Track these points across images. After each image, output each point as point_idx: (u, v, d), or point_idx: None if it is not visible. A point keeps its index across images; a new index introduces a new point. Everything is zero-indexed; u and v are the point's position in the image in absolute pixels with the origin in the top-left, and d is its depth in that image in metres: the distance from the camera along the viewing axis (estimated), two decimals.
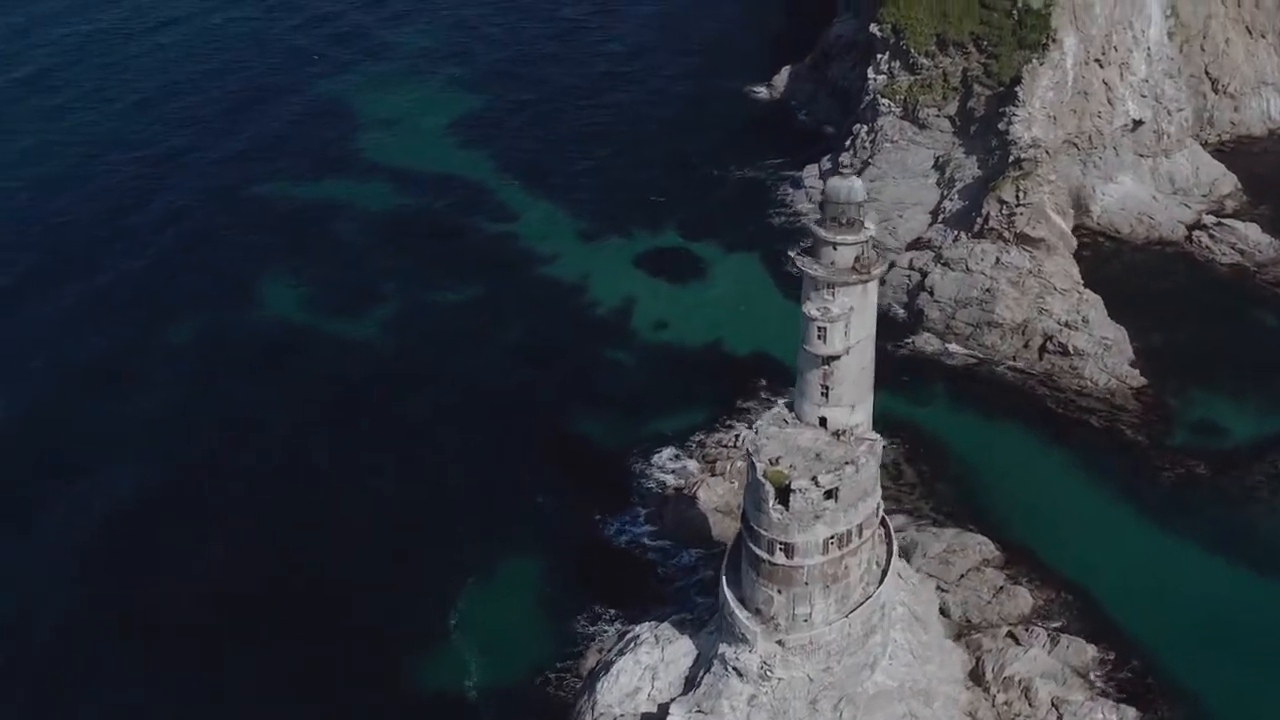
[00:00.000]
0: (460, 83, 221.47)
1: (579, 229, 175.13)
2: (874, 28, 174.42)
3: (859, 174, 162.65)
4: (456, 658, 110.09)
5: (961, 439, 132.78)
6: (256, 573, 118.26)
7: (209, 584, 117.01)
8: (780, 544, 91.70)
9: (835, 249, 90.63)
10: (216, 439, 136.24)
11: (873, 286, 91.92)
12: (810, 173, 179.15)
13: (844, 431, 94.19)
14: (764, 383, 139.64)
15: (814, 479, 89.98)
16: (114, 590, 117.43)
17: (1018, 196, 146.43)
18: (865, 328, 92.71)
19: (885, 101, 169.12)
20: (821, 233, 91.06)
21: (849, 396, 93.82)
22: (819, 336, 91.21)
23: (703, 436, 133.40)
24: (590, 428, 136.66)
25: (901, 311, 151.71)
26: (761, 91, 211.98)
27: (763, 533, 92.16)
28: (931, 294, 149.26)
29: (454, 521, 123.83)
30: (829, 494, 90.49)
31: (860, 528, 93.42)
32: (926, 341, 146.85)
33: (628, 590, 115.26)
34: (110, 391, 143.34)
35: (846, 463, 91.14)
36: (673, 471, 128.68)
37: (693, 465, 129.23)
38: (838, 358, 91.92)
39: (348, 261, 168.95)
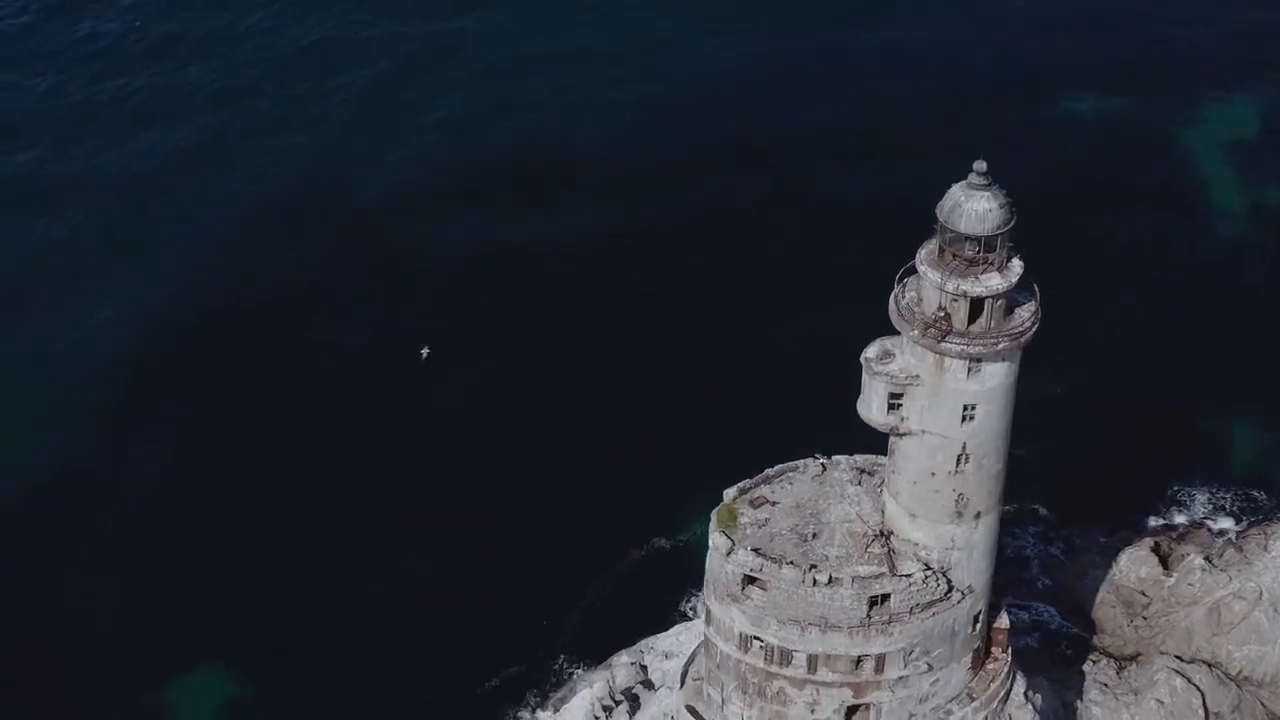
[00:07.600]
0: None
1: None
2: None
3: None
4: None
5: None
6: None
7: None
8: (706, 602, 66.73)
9: (924, 284, 58.29)
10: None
11: (962, 370, 58.05)
12: None
13: (890, 535, 63.65)
14: None
15: (745, 547, 63.11)
16: None
17: None
18: (941, 422, 59.68)
19: None
20: (920, 254, 58.76)
21: (907, 498, 62.55)
22: (865, 388, 61.02)
23: None
24: None
25: None
26: None
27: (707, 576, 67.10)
28: None
29: None
30: (751, 580, 63.09)
31: (814, 660, 63.89)
32: None
33: None
34: None
35: (791, 562, 62.17)
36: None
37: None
38: (897, 433, 61.25)
39: None
